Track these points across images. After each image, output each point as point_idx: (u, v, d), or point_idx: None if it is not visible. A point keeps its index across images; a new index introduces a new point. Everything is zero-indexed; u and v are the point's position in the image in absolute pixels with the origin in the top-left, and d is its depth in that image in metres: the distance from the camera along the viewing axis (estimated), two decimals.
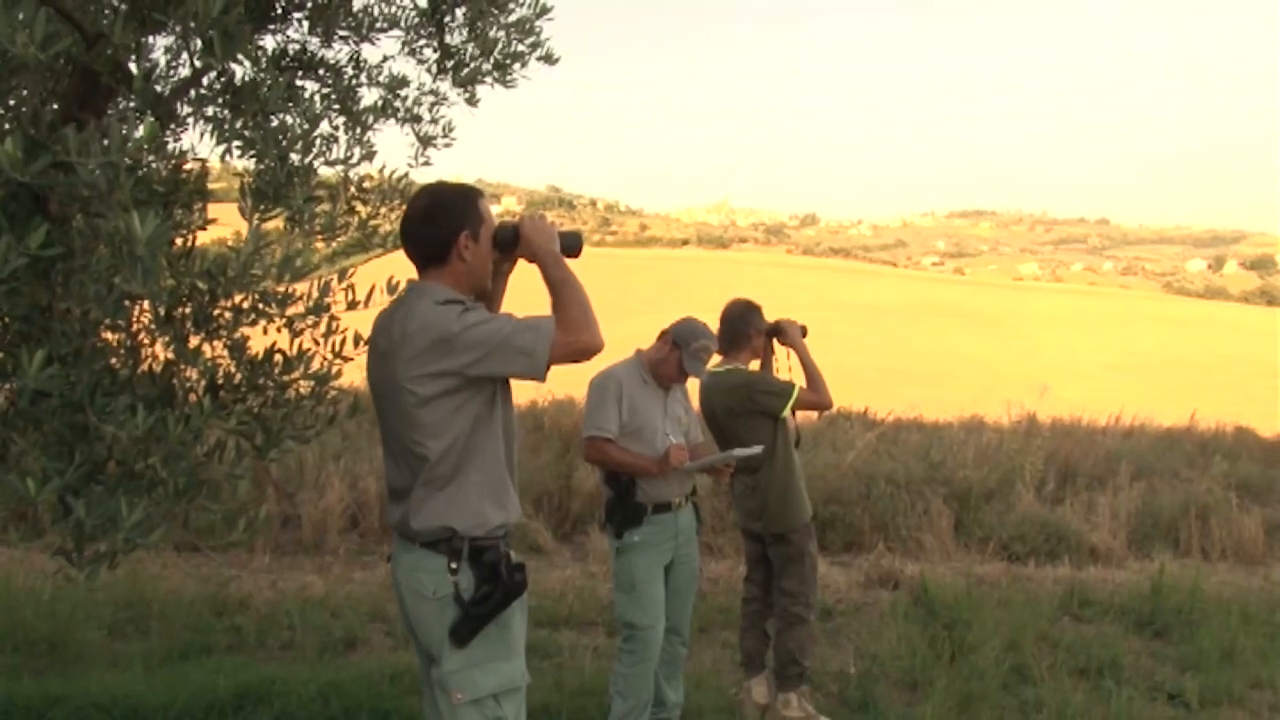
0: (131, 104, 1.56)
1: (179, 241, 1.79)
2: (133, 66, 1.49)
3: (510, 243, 1.81)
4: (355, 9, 2.02)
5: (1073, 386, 16.12)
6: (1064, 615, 4.32)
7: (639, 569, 2.78)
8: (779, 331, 3.27)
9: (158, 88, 1.69)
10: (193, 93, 1.78)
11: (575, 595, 4.30)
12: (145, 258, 1.22)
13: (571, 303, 1.69)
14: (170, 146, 1.74)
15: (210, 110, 1.76)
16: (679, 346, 2.87)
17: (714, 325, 3.23)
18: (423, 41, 2.19)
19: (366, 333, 1.89)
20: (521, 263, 1.90)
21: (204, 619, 3.80)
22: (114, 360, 1.69)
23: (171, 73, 1.84)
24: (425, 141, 2.37)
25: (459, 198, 1.76)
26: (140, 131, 1.23)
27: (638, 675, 2.76)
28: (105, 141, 1.21)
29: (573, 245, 1.84)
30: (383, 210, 2.38)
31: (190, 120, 1.82)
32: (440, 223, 1.72)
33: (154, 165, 1.64)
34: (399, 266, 2.03)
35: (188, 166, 1.74)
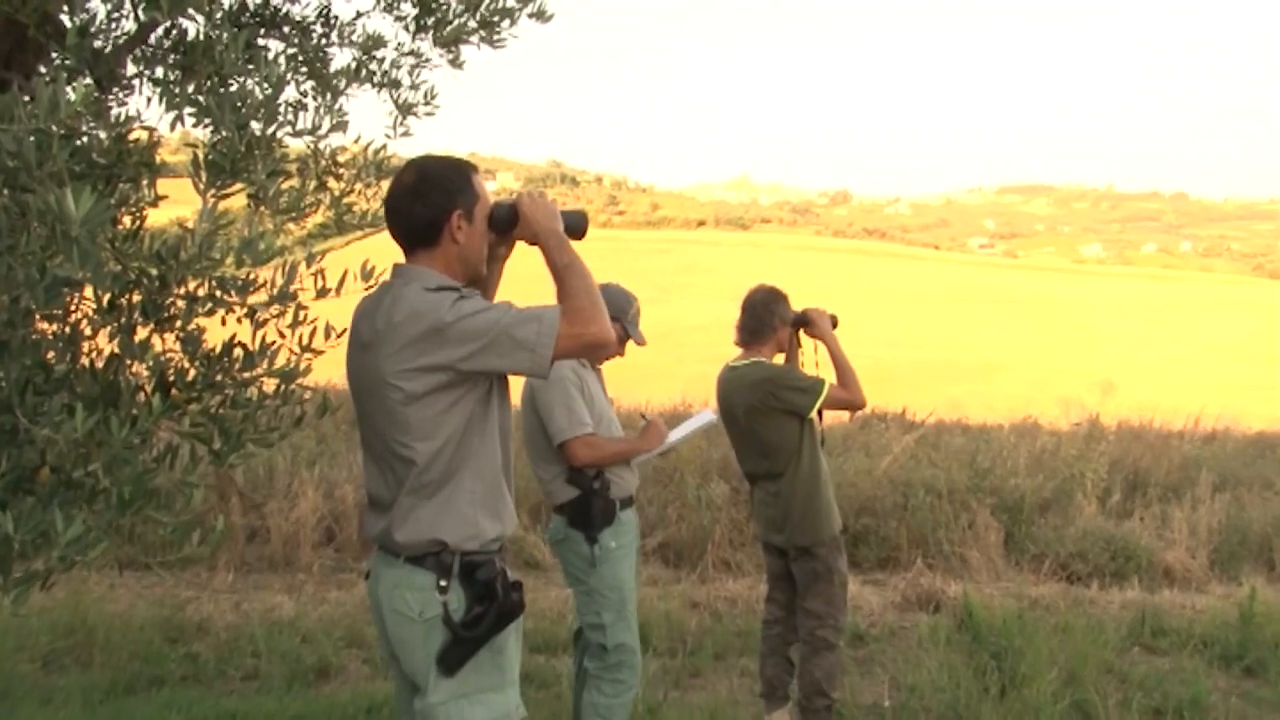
0: (65, 62, 1.55)
1: (125, 221, 1.78)
2: (66, 19, 1.48)
3: (508, 223, 1.81)
4: None
5: (1143, 384, 15.99)
6: (1134, 645, 4.26)
7: (627, 582, 2.82)
8: (806, 322, 3.26)
9: (97, 44, 1.67)
10: (138, 51, 1.76)
11: (574, 617, 4.29)
12: (82, 238, 1.21)
13: (579, 291, 1.70)
14: (113, 112, 1.72)
15: (159, 71, 1.75)
16: (617, 318, 2.91)
17: (735, 315, 3.23)
18: None
19: (338, 323, 1.88)
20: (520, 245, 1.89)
21: (155, 647, 3.81)
22: (49, 354, 1.69)
23: (113, 27, 1.83)
24: (405, 109, 2.36)
25: (451, 172, 1.76)
26: (74, 94, 1.22)
27: (624, 706, 2.78)
28: (32, 105, 1.19)
29: (576, 226, 1.84)
30: (358, 187, 2.38)
31: (136, 83, 1.80)
32: (430, 200, 1.72)
33: (94, 133, 1.63)
34: (378, 250, 2.02)
35: (133, 136, 1.73)
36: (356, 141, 2.32)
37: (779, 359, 3.27)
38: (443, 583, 1.68)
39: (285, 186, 2.00)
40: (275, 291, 1.82)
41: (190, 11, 1.52)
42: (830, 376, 3.16)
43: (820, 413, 3.15)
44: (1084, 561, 5.41)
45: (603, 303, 1.72)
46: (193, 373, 1.85)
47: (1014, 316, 42.31)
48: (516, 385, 1.91)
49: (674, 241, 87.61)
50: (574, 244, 1.81)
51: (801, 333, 3.30)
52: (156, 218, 1.89)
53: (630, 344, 2.99)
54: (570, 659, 3.90)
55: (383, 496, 1.76)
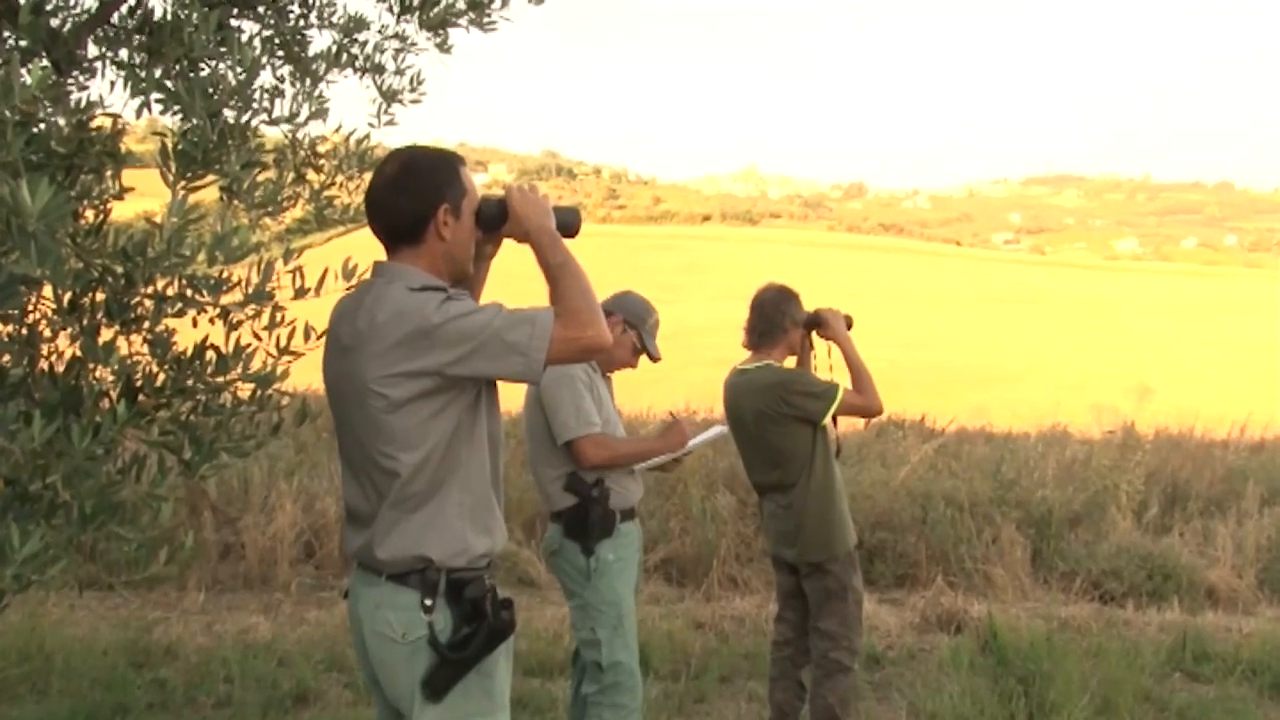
0: (19, 43, 1.55)
1: (87, 214, 1.78)
2: None
3: (497, 219, 1.81)
4: None
5: (1182, 389, 15.95)
6: (1174, 671, 4.23)
7: (626, 597, 2.82)
8: (819, 323, 3.26)
9: (54, 23, 1.67)
10: (100, 31, 1.76)
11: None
12: (40, 233, 1.21)
13: (574, 292, 1.71)
14: (73, 98, 1.72)
15: (123, 54, 1.75)
16: (634, 326, 2.93)
17: (743, 315, 3.23)
18: None
19: (318, 324, 1.88)
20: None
21: (119, 673, 3.78)
22: (4, 357, 1.69)
23: (72, 5, 1.83)
24: (389, 96, 2.37)
25: (438, 164, 1.76)
26: (29, 77, 1.21)
27: None
28: None
29: (569, 223, 1.85)
30: (339, 179, 2.39)
31: (98, 65, 1.80)
32: (415, 193, 1.73)
33: (52, 120, 1.63)
34: (360, 247, 2.02)
35: (96, 123, 1.73)
36: (337, 131, 2.33)
37: (790, 362, 3.27)
38: (428, 602, 1.68)
39: (261, 178, 2.00)
40: (250, 291, 1.83)
41: None
42: (844, 381, 3.16)
43: (834, 419, 3.15)
44: (1118, 580, 5.39)
45: (599, 304, 1.73)
46: (161, 377, 1.85)
47: (1041, 317, 42.31)
48: (512, 390, 1.90)
49: (677, 237, 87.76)
50: (568, 242, 1.81)
51: (814, 334, 3.30)
52: (121, 211, 1.89)
53: (642, 358, 3.01)
54: (567, 682, 3.90)
55: (363, 510, 1.76)
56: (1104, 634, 4.50)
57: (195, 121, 1.73)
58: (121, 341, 1.80)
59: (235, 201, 1.96)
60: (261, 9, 2.12)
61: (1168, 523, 6.18)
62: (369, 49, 2.30)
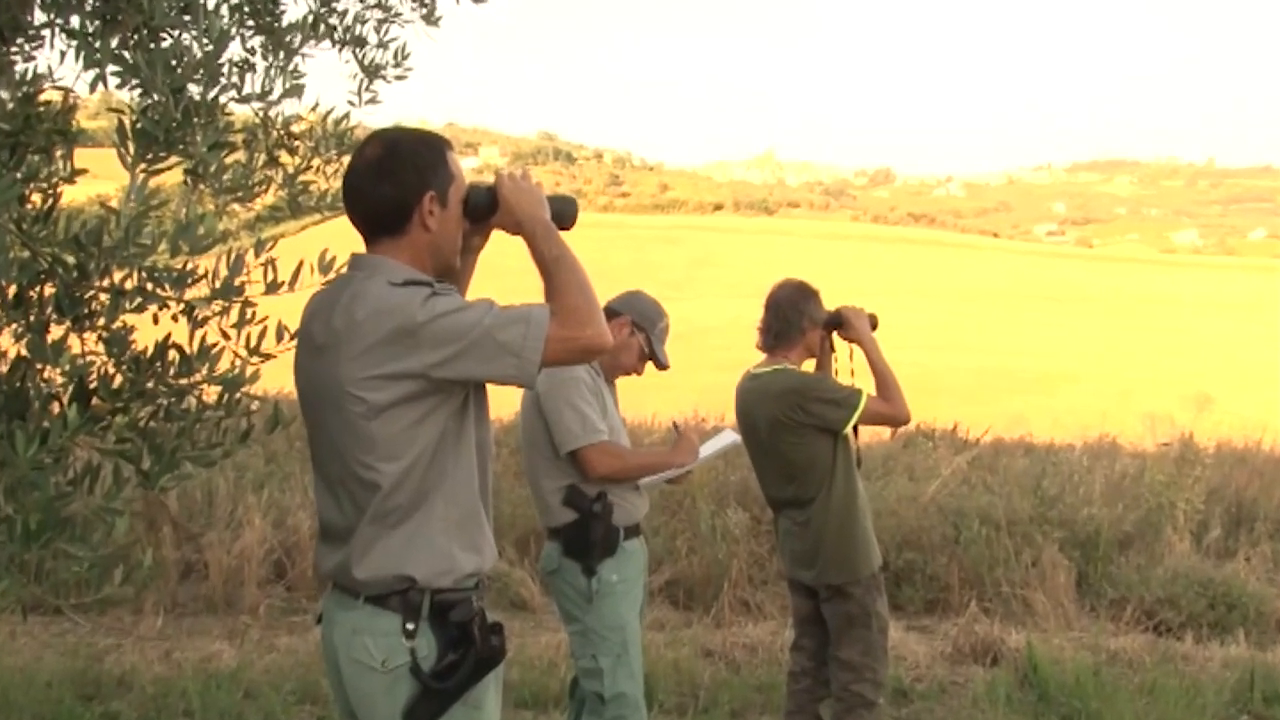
0: None
1: (34, 199, 1.78)
2: None
3: (486, 209, 1.83)
4: None
5: (1247, 397, 15.91)
6: (1241, 713, 4.20)
7: (630, 622, 2.83)
8: (840, 323, 3.27)
9: None
10: None
11: (568, 665, 4.30)
12: None
13: (572, 288, 1.72)
14: (18, 69, 1.73)
15: (74, 21, 1.75)
16: (642, 329, 2.95)
17: (757, 314, 3.24)
18: None
19: (292, 322, 1.89)
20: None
21: (66, 706, 3.77)
22: None
23: None
24: (371, 72, 2.39)
25: (422, 147, 1.78)
26: None
27: None
28: None
29: (565, 213, 1.86)
30: (316, 163, 2.40)
31: (46, 34, 1.80)
32: (398, 179, 1.74)
33: None
34: (338, 237, 2.03)
35: (44, 97, 1.73)
36: (314, 109, 2.34)
37: (808, 365, 3.28)
38: (410, 626, 1.69)
39: (229, 161, 2.01)
40: (217, 284, 1.84)
41: None
42: (868, 386, 3.17)
43: (856, 429, 3.16)
44: (1175, 609, 5.37)
45: (598, 302, 1.75)
46: (118, 379, 1.86)
47: (1088, 317, 42.36)
48: (504, 394, 1.91)
49: (686, 228, 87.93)
50: (563, 235, 1.83)
51: (835, 335, 3.30)
52: (73, 195, 1.89)
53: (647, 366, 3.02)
54: (563, 715, 3.90)
55: (339, 525, 1.77)
56: (1159, 669, 4.48)
57: (156, 97, 1.74)
58: (73, 339, 1.81)
59: (201, 186, 1.97)
60: None
61: (1231, 546, 6.16)
62: (349, 19, 2.32)
